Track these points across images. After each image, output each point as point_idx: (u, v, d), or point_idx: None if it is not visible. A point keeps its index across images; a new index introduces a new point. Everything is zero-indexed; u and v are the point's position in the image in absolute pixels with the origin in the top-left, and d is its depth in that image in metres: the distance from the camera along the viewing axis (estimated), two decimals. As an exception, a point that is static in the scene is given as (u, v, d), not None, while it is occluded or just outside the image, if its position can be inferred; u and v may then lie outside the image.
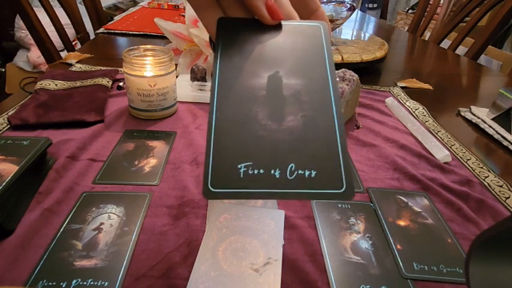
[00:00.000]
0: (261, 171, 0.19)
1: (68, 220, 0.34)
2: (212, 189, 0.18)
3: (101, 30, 1.07)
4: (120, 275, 0.29)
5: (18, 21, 1.96)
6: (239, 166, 0.19)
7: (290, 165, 0.19)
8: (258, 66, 0.23)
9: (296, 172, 0.19)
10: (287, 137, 0.20)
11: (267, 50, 0.24)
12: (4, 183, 0.32)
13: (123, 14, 1.30)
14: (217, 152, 0.19)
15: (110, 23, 1.14)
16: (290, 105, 0.22)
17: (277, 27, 0.25)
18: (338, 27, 0.91)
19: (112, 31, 1.06)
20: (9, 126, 0.49)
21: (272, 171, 0.19)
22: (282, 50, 0.24)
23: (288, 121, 0.21)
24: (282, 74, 0.23)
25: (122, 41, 1.01)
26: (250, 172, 0.19)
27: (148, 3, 1.48)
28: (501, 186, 0.44)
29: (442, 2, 1.33)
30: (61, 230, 0.33)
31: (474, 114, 0.63)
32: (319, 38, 0.25)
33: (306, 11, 0.26)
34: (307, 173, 0.19)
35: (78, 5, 1.15)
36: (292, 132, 0.20)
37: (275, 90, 0.22)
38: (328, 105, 0.22)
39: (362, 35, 1.02)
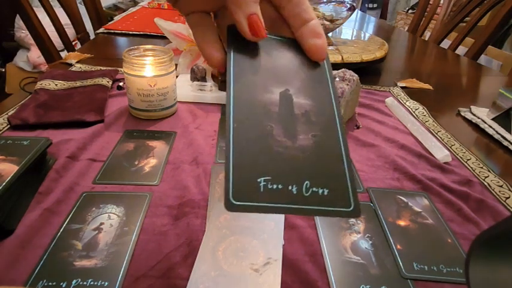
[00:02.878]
0: (280, 186, 0.20)
1: (68, 220, 0.34)
2: (234, 201, 0.19)
3: (101, 30, 1.07)
4: (120, 275, 0.29)
5: (18, 21, 1.97)
6: (259, 180, 0.19)
7: (306, 182, 0.20)
8: (269, 81, 0.23)
9: (311, 189, 0.20)
10: (300, 155, 0.21)
11: (277, 65, 0.24)
12: (4, 183, 0.32)
13: (123, 14, 1.30)
14: (237, 165, 0.19)
15: (110, 23, 1.14)
16: (301, 124, 0.22)
17: (283, 41, 0.25)
18: (338, 27, 0.91)
19: (112, 31, 1.06)
20: (9, 126, 0.49)
21: (290, 187, 0.20)
22: (290, 67, 0.24)
23: (300, 139, 0.21)
24: (292, 92, 0.23)
25: (121, 41, 1.01)
26: (269, 187, 0.19)
27: (148, 3, 1.48)
28: (501, 186, 0.44)
29: (442, 2, 1.33)
30: (61, 230, 0.33)
31: (474, 114, 0.63)
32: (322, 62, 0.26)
33: (299, 21, 0.24)
34: (320, 190, 0.20)
35: (78, 5, 1.15)
36: (305, 150, 0.21)
37: (287, 108, 0.23)
38: (334, 128, 0.23)
39: (362, 35, 1.02)
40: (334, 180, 0.21)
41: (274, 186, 0.19)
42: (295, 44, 0.25)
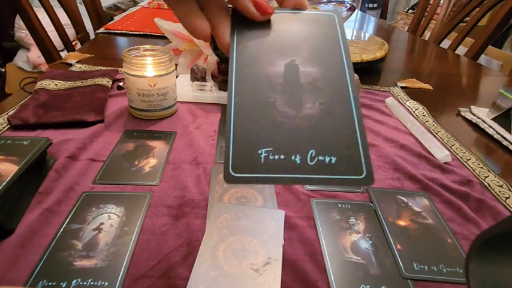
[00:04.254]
0: (282, 156, 0.19)
1: (68, 220, 0.34)
2: (233, 173, 0.18)
3: (101, 30, 1.07)
4: (120, 275, 0.29)
5: (18, 21, 1.96)
6: (259, 151, 0.19)
7: (310, 151, 0.19)
8: (274, 54, 0.23)
9: (316, 158, 0.19)
10: (306, 124, 0.20)
11: (283, 39, 0.24)
12: (4, 183, 0.32)
13: (123, 14, 1.30)
14: (236, 137, 0.19)
15: (110, 23, 1.14)
16: (307, 93, 0.22)
17: (292, 16, 0.25)
18: (338, 27, 0.91)
19: (112, 31, 1.06)
20: (9, 126, 0.49)
21: (293, 157, 0.19)
22: (298, 39, 0.24)
23: (306, 108, 0.21)
24: (298, 62, 0.23)
25: (121, 41, 1.01)
26: (271, 158, 0.19)
27: (148, 3, 1.48)
28: (501, 186, 0.44)
29: (442, 2, 1.33)
30: (61, 230, 0.33)
31: (474, 114, 0.63)
32: (334, 28, 0.25)
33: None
34: (327, 159, 0.19)
35: (78, 5, 1.15)
36: (311, 119, 0.21)
37: (292, 78, 0.22)
38: (345, 93, 0.22)
39: (362, 35, 1.02)
40: (344, 148, 0.20)
41: (276, 157, 0.19)
42: (303, 16, 0.25)
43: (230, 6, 0.24)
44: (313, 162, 0.19)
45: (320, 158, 0.19)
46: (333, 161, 0.19)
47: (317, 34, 0.24)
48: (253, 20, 0.24)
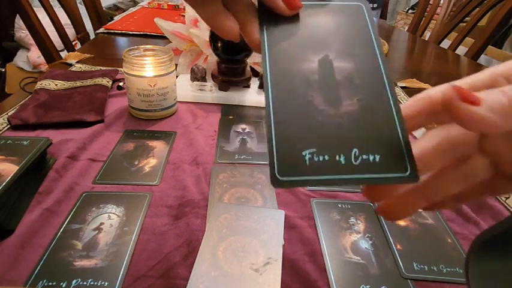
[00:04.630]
0: (326, 157, 0.19)
1: (68, 220, 0.34)
2: (280, 178, 0.18)
3: (101, 30, 1.07)
4: (120, 275, 0.29)
5: (18, 21, 1.96)
6: (303, 153, 0.19)
7: (354, 150, 0.19)
8: (306, 50, 0.22)
9: (360, 157, 0.19)
10: (346, 122, 0.20)
11: (313, 32, 0.23)
12: (4, 183, 0.32)
13: (123, 14, 1.30)
14: (279, 140, 0.19)
15: (110, 23, 1.14)
16: (344, 89, 0.21)
17: (318, 8, 0.24)
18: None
19: (112, 31, 1.06)
20: (9, 126, 0.49)
21: (337, 157, 0.19)
22: (328, 32, 0.23)
23: (344, 105, 0.20)
24: (332, 57, 0.22)
25: (122, 41, 1.01)
26: (315, 159, 0.19)
27: (148, 3, 1.48)
28: (501, 186, 0.44)
29: (442, 2, 1.33)
30: (61, 230, 0.33)
31: (474, 114, 0.63)
32: (363, 17, 0.24)
33: None
34: (371, 157, 0.19)
35: (78, 5, 1.15)
36: (350, 116, 0.20)
37: (327, 75, 0.21)
38: (382, 87, 0.21)
39: (362, 35, 1.02)
40: (386, 145, 0.19)
41: (321, 158, 0.19)
42: (331, 8, 0.24)
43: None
44: (358, 162, 0.19)
45: (364, 156, 0.19)
46: (377, 159, 0.19)
47: (347, 26, 0.23)
48: (281, 15, 0.23)
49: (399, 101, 0.67)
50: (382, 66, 0.22)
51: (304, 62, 0.22)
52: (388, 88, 0.21)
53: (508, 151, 0.18)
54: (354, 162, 0.19)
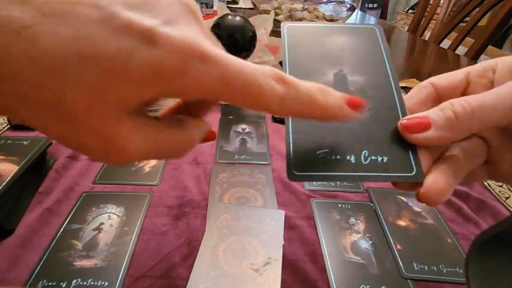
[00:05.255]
0: (338, 156, 0.21)
1: (68, 220, 0.34)
2: (296, 172, 0.20)
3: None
4: (120, 275, 0.29)
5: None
6: (318, 152, 0.21)
7: (364, 152, 0.21)
8: (323, 65, 0.25)
9: (370, 158, 0.21)
10: (358, 127, 0.22)
11: (330, 50, 0.26)
12: (4, 183, 0.32)
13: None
14: (296, 140, 0.21)
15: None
16: None
17: (336, 30, 0.27)
18: (338, 27, 0.91)
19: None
20: (9, 126, 0.49)
21: (348, 157, 0.21)
22: (343, 50, 0.26)
23: None
24: (346, 71, 0.24)
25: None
26: (328, 158, 0.21)
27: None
28: (501, 186, 0.44)
29: (442, 2, 1.33)
30: (61, 230, 0.33)
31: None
32: (376, 39, 0.27)
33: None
34: (379, 158, 0.21)
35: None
36: (361, 123, 0.22)
37: (341, 86, 0.24)
38: (392, 99, 0.23)
39: (362, 35, 1.02)
40: (394, 148, 0.21)
41: (333, 157, 0.21)
42: (347, 29, 0.27)
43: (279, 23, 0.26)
44: (367, 162, 0.21)
45: (373, 157, 0.21)
46: (385, 160, 0.21)
47: (361, 45, 0.26)
48: (302, 33, 0.26)
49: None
50: (391, 79, 0.24)
51: (321, 75, 0.24)
52: (397, 100, 0.23)
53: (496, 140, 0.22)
54: (363, 162, 0.21)
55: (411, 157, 0.21)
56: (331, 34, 0.27)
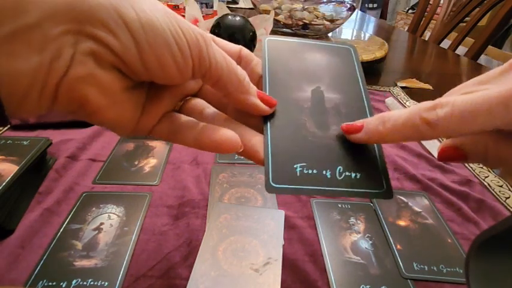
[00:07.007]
0: (314, 171, 0.22)
1: (68, 220, 0.34)
2: (274, 184, 0.21)
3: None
4: (120, 275, 0.29)
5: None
6: (295, 166, 0.22)
7: (338, 168, 0.22)
8: (301, 80, 0.26)
9: (344, 173, 0.22)
10: (333, 143, 0.23)
11: (309, 67, 0.27)
12: (4, 183, 0.32)
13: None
14: (274, 153, 0.22)
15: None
16: (332, 116, 0.24)
17: (314, 47, 0.28)
18: (338, 27, 0.91)
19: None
20: (9, 126, 0.49)
21: (324, 172, 0.22)
22: (321, 68, 0.27)
23: (332, 130, 0.24)
24: (323, 88, 0.26)
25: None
26: (305, 172, 0.21)
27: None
28: (501, 186, 0.44)
29: (442, 2, 1.33)
30: (61, 230, 0.33)
31: (474, 114, 0.63)
32: (351, 58, 0.28)
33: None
34: (353, 174, 0.22)
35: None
36: (336, 139, 0.23)
37: (318, 103, 0.25)
38: (364, 117, 0.24)
39: (362, 35, 1.02)
40: (366, 165, 0.22)
41: (310, 171, 0.22)
42: (324, 48, 0.28)
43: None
44: (341, 177, 0.22)
45: (347, 173, 0.22)
46: (358, 177, 0.22)
47: (337, 64, 0.27)
48: (282, 48, 0.27)
49: (400, 101, 0.67)
50: (364, 98, 0.26)
51: (299, 91, 0.25)
52: (369, 117, 0.25)
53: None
54: (338, 177, 0.22)
55: (381, 174, 0.22)
56: (310, 50, 0.28)
